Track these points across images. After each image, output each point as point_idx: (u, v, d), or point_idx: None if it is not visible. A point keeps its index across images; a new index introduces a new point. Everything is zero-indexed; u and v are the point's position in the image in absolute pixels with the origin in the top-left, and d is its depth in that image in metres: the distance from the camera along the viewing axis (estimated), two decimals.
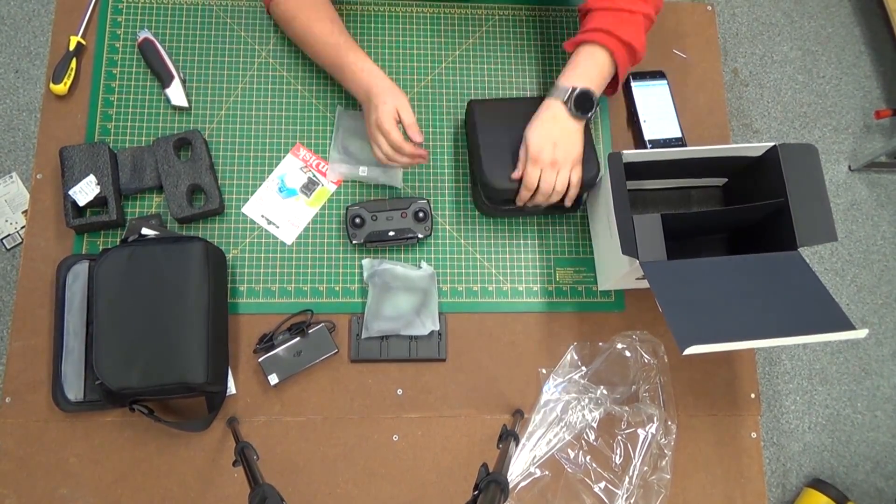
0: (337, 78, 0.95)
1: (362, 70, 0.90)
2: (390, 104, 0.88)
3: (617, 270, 0.88)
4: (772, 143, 0.86)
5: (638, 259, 0.79)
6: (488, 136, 0.93)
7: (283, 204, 0.97)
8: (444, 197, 1.00)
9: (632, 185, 0.95)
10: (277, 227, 0.96)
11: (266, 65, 1.03)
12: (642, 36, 0.91)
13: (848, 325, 0.76)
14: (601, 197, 0.92)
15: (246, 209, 0.97)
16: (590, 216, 1.00)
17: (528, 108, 0.92)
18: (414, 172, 1.00)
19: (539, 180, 0.88)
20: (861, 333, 0.74)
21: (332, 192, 0.98)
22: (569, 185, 0.90)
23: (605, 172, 0.87)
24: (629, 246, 0.80)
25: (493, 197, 0.94)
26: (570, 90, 0.88)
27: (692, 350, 0.72)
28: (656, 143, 1.03)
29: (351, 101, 1.02)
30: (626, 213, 0.81)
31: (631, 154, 0.84)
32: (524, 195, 0.91)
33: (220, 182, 0.97)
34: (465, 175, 1.01)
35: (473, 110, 0.94)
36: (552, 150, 0.88)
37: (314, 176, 0.99)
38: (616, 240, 0.84)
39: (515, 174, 0.90)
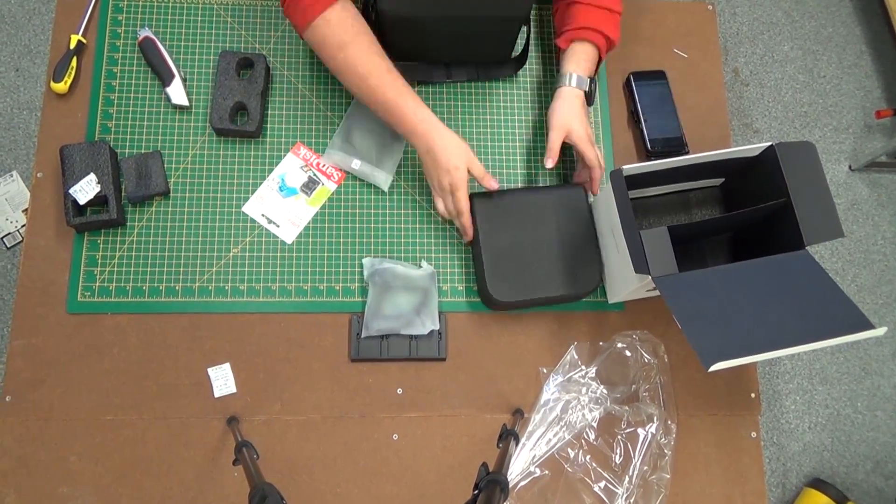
0: (384, 118, 0.90)
1: (422, 121, 0.87)
2: (462, 168, 0.87)
3: (627, 285, 0.88)
4: (768, 143, 0.86)
5: (650, 275, 0.79)
6: (491, 239, 0.92)
7: (283, 203, 0.97)
8: None
9: (631, 193, 0.95)
10: (278, 226, 0.96)
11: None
12: (618, 31, 0.97)
13: (867, 325, 0.76)
14: (603, 213, 0.92)
15: (246, 208, 0.96)
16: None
17: (531, 200, 0.94)
18: (411, 174, 1.00)
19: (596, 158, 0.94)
20: (880, 331, 0.74)
21: (332, 192, 0.98)
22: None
23: (606, 187, 0.87)
24: (640, 263, 0.80)
25: (498, 307, 0.95)
26: (575, 77, 0.94)
27: (717, 367, 0.71)
28: (656, 143, 1.03)
29: None
30: (634, 230, 0.81)
31: (631, 168, 0.84)
32: (598, 175, 0.95)
33: (266, 110, 1.00)
34: None
35: (474, 207, 0.92)
36: (588, 127, 0.95)
37: (315, 175, 0.99)
38: (623, 255, 0.84)
39: (552, 161, 0.92)
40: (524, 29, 1.04)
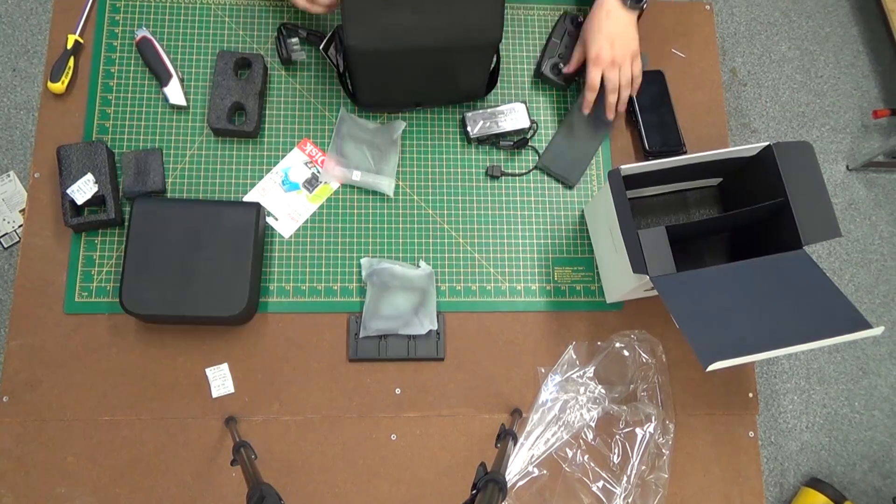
0: None
1: None
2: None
3: (625, 285, 0.88)
4: (766, 143, 0.86)
5: (648, 275, 0.79)
6: (141, 247, 0.86)
7: (284, 197, 0.97)
8: (443, 196, 1.00)
9: (629, 193, 0.95)
10: (277, 219, 0.96)
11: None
12: None
13: (864, 325, 0.76)
14: (601, 213, 0.92)
15: (248, 199, 0.96)
16: (590, 230, 1.00)
17: (200, 212, 0.88)
18: (409, 175, 1.00)
19: (603, 79, 0.92)
20: (877, 331, 0.74)
21: (333, 190, 0.98)
22: (632, 78, 0.94)
23: (604, 187, 0.87)
24: (638, 263, 0.80)
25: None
26: None
27: (715, 366, 0.71)
28: (654, 143, 1.03)
29: (352, 106, 1.01)
30: (632, 230, 0.81)
31: (629, 168, 0.84)
32: (589, 97, 0.95)
33: (263, 110, 1.00)
34: (464, 168, 1.01)
35: (133, 211, 0.87)
36: (610, 49, 0.91)
37: (318, 172, 0.99)
38: (621, 255, 0.84)
39: (568, 69, 0.94)
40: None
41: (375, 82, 0.95)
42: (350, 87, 1.00)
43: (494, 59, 1.01)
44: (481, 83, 0.99)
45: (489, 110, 1.01)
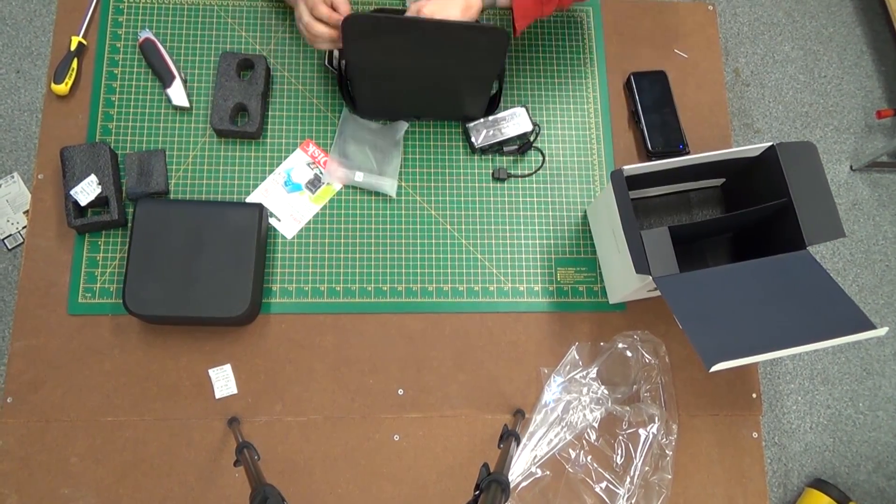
0: None
1: None
2: None
3: (627, 285, 0.88)
4: (769, 143, 0.86)
5: (651, 276, 0.78)
6: (144, 246, 0.87)
7: (287, 198, 0.97)
8: (446, 197, 1.00)
9: (632, 194, 0.95)
10: (279, 220, 0.96)
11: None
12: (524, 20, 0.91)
13: (868, 325, 0.76)
14: (603, 213, 0.92)
15: (250, 199, 0.96)
16: (592, 231, 1.00)
17: (202, 212, 0.89)
18: (412, 175, 1.00)
19: None
20: (881, 332, 0.74)
21: (336, 191, 0.98)
22: None
23: (607, 187, 0.87)
24: (641, 263, 0.80)
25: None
26: None
27: (719, 367, 0.71)
28: (657, 144, 1.02)
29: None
30: (635, 231, 0.81)
31: (632, 168, 0.84)
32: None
33: (266, 111, 1.00)
34: (467, 170, 1.01)
35: (138, 212, 0.88)
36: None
37: (321, 173, 0.99)
38: (624, 256, 0.84)
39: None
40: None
41: (374, 92, 0.95)
42: (349, 93, 1.00)
43: (496, 85, 1.01)
44: (481, 107, 0.99)
45: (491, 118, 1.01)
